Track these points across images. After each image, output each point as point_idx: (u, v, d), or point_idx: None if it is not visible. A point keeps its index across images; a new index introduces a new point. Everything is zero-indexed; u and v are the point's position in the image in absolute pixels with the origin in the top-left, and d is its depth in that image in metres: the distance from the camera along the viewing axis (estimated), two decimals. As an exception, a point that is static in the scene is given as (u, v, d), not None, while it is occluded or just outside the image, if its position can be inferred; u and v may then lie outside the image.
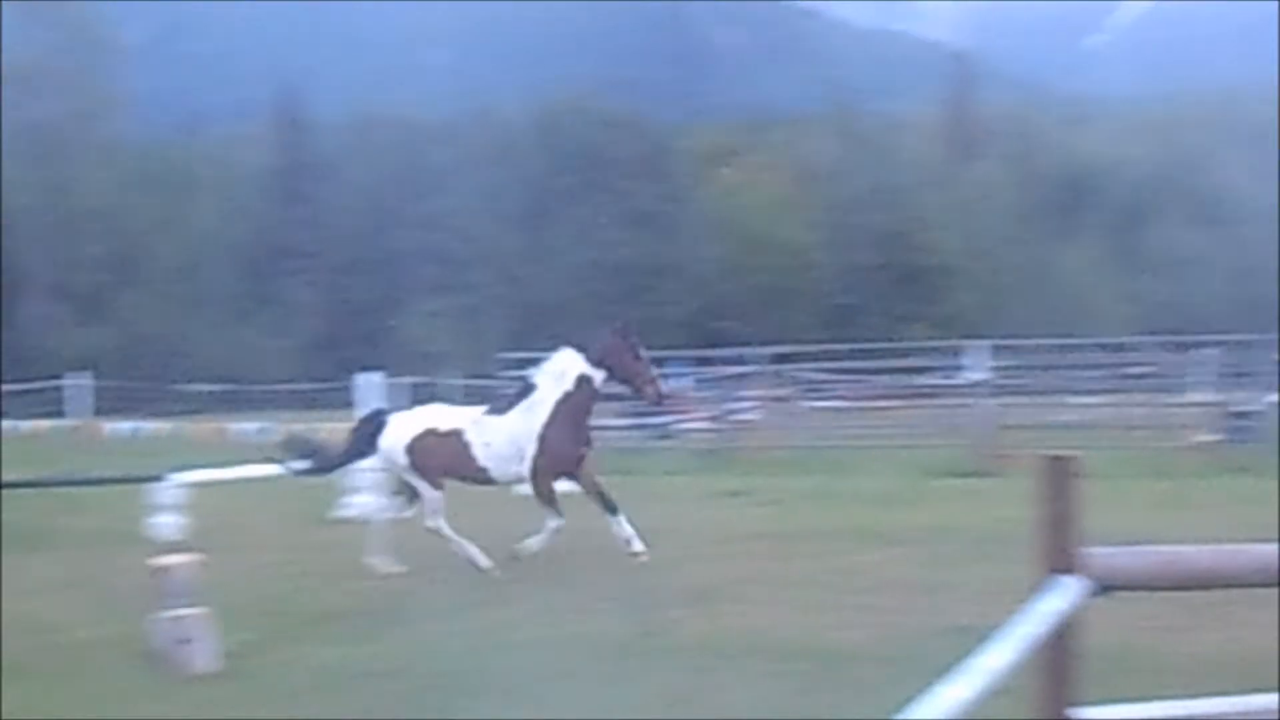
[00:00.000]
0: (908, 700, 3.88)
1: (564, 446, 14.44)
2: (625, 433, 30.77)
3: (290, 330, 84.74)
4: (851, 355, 39.30)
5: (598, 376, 14.61)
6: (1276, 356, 29.83)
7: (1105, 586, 5.23)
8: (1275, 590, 5.77)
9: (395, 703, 8.94)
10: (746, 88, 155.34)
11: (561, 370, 14.60)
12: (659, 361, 39.92)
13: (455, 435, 14.69)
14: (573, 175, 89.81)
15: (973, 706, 3.91)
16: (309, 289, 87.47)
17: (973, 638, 4.37)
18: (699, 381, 38.43)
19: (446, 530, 14.62)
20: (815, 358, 38.78)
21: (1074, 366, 38.03)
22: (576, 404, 14.51)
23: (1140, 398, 33.96)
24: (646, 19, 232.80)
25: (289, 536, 17.58)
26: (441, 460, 14.73)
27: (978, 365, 31.05)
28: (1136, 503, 17.92)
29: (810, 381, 36.24)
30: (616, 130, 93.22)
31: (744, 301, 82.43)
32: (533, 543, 14.28)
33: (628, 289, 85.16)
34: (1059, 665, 5.18)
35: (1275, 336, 32.98)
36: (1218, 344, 32.36)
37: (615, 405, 25.94)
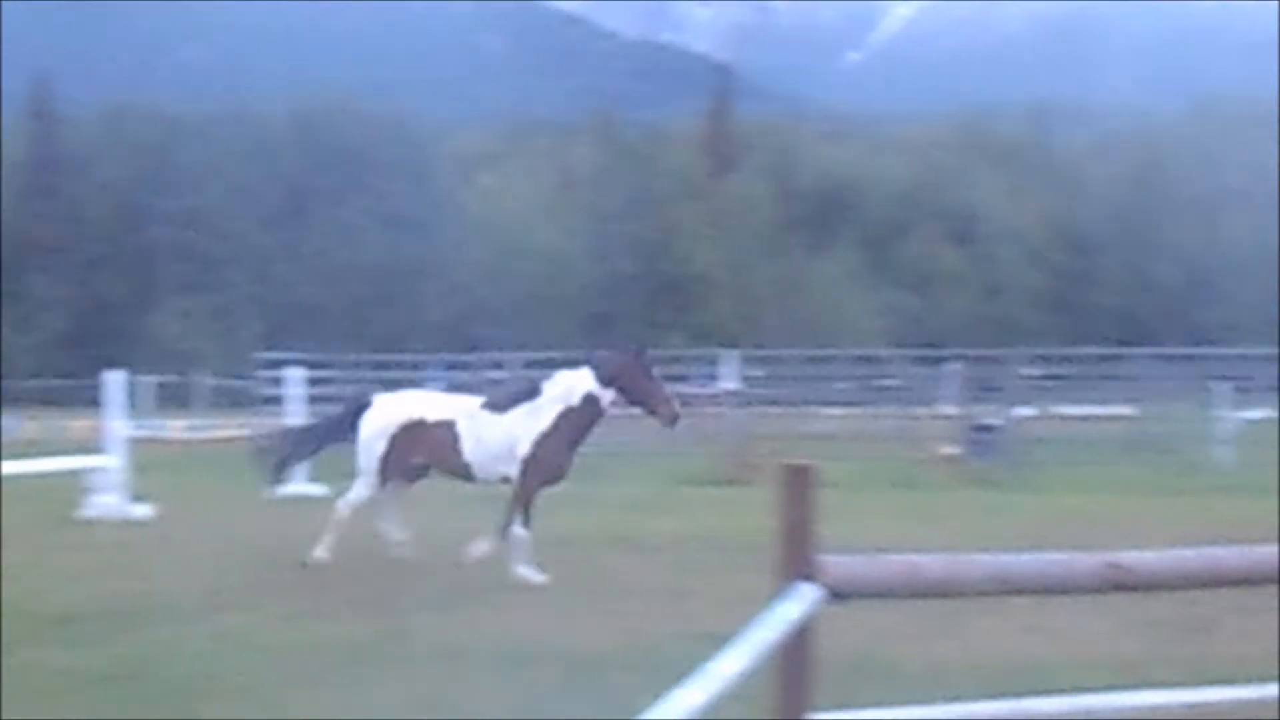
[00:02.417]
0: (648, 705, 3.92)
1: (556, 457, 14.18)
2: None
3: (37, 326, 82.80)
4: (608, 363, 39.32)
5: (605, 396, 14.30)
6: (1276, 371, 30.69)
7: (842, 594, 5.32)
8: (1005, 600, 5.91)
9: (129, 707, 8.75)
10: (510, 92, 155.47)
11: (569, 385, 14.35)
12: (416, 365, 39.78)
13: (445, 426, 14.27)
14: (331, 175, 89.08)
15: (708, 711, 3.95)
16: (57, 284, 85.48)
17: (716, 644, 4.42)
18: (453, 386, 38.28)
19: (335, 525, 14.32)
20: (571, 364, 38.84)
21: (825, 378, 38.58)
22: (576, 420, 14.20)
23: (888, 410, 34.63)
24: (410, 20, 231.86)
25: (29, 537, 17.07)
26: (423, 454, 14.36)
27: (731, 375, 31.39)
28: (879, 513, 18.32)
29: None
30: (377, 131, 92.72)
31: (502, 306, 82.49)
32: (518, 560, 13.91)
33: (385, 291, 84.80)
34: (795, 671, 5.25)
35: (1021, 352, 34.02)
36: (964, 358, 33.09)
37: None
